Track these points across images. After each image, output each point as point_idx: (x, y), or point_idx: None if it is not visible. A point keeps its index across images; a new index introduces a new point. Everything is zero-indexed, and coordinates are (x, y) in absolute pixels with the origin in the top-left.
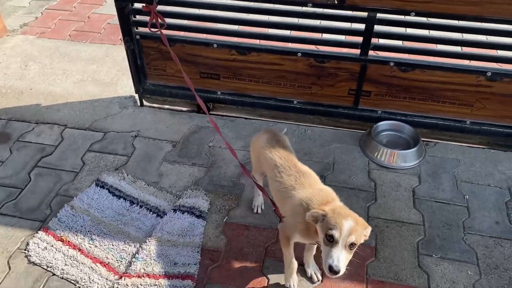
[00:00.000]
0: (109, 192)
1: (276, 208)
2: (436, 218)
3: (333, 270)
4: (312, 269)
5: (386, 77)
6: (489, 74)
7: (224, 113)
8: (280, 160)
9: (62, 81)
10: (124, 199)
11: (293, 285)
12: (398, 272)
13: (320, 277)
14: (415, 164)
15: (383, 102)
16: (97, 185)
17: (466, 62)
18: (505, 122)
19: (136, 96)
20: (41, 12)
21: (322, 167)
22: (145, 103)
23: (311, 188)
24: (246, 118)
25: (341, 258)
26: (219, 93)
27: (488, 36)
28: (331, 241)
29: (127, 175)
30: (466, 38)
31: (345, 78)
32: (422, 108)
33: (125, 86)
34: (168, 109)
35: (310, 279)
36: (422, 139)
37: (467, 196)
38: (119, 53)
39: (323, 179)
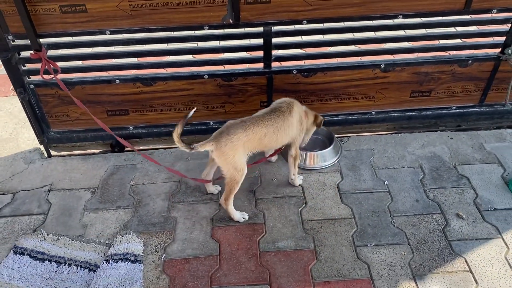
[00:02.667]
0: (31, 257)
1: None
2: (364, 209)
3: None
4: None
5: (291, 84)
6: (382, 66)
7: (141, 148)
8: (261, 123)
9: None
10: (49, 261)
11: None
12: (341, 269)
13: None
14: (334, 161)
15: None
16: (15, 252)
17: (365, 58)
18: (405, 107)
19: (42, 147)
20: None
21: (250, 182)
22: (53, 153)
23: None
24: (165, 148)
25: None
26: (131, 128)
27: (376, 32)
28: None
29: (48, 235)
30: (356, 36)
31: (254, 92)
32: (330, 108)
33: (27, 139)
34: (79, 154)
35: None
36: (336, 135)
37: (386, 182)
38: (14, 105)
39: (253, 193)
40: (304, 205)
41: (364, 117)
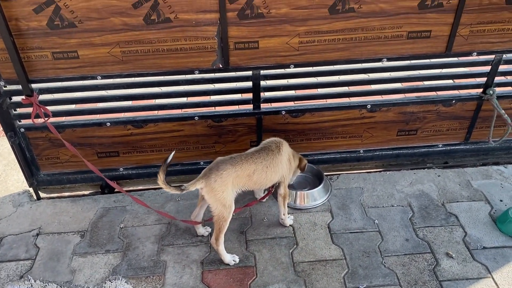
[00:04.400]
0: None
1: (270, 190)
2: (354, 249)
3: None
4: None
5: (281, 124)
6: (369, 106)
7: (131, 189)
8: (250, 159)
9: None
10: None
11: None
12: None
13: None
14: (324, 200)
15: None
16: None
17: (352, 99)
18: (392, 145)
19: (31, 190)
20: None
21: (241, 223)
22: (42, 195)
23: (280, 151)
24: (155, 189)
25: None
26: (121, 169)
27: (362, 75)
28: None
29: (35, 281)
30: (343, 78)
31: (244, 132)
32: (319, 146)
33: (17, 181)
34: (69, 196)
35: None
36: (327, 173)
37: (376, 221)
38: (4, 146)
39: (244, 234)
40: (295, 246)
41: (352, 156)
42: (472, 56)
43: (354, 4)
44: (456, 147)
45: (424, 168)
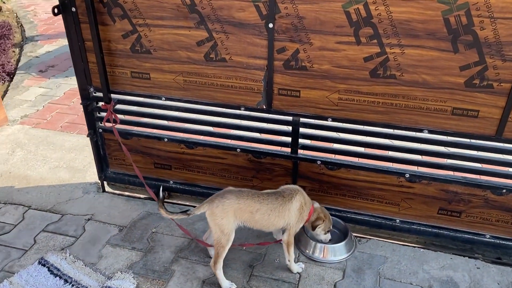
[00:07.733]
0: (49, 270)
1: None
2: None
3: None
4: None
5: (316, 174)
6: (407, 175)
7: (178, 201)
8: (256, 198)
9: (40, 167)
10: (60, 277)
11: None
12: None
13: None
14: (344, 258)
15: (317, 198)
16: (39, 263)
17: (390, 164)
18: (432, 222)
19: (100, 182)
20: (43, 106)
21: (253, 257)
22: (108, 189)
23: (291, 199)
24: (194, 206)
25: None
26: (171, 182)
27: (401, 142)
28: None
29: (69, 255)
30: (382, 141)
31: (281, 173)
32: (353, 205)
33: (94, 173)
34: (127, 195)
35: None
36: (359, 235)
37: None
38: None
39: (251, 268)
40: None
41: (388, 223)
42: None
43: (395, 71)
44: (508, 243)
45: (464, 256)
